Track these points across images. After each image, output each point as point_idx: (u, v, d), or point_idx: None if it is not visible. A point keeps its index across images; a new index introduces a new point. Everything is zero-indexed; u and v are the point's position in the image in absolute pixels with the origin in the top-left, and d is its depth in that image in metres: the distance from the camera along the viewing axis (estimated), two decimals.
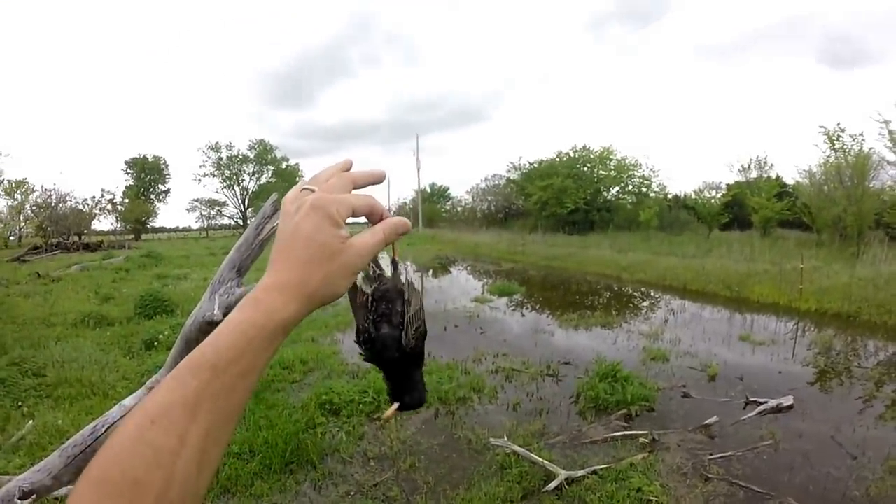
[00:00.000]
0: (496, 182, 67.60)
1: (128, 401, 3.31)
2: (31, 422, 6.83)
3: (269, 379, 8.13)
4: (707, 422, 6.53)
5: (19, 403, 7.56)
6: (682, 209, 44.95)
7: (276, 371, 8.48)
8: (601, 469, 5.24)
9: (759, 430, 6.41)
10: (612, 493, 4.85)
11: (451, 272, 26.29)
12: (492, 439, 5.77)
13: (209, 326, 2.91)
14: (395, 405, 0.87)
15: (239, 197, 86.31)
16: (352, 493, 5.13)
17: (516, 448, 5.48)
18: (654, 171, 48.48)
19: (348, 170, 0.79)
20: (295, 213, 0.68)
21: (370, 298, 0.85)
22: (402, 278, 0.92)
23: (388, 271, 0.89)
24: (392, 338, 0.83)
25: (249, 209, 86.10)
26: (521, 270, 24.65)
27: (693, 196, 45.23)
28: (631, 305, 15.70)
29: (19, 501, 3.07)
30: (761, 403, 7.11)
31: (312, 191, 0.71)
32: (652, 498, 4.78)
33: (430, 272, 26.09)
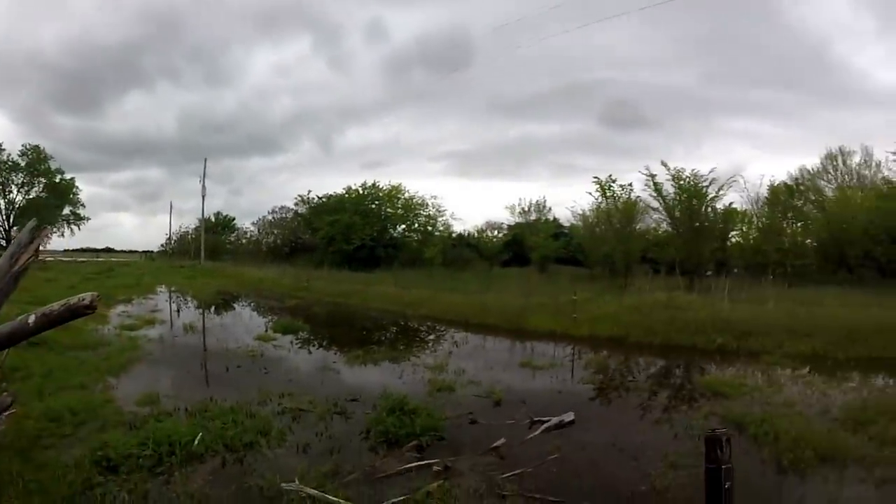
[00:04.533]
0: (283, 215, 66.08)
1: None
2: None
3: (35, 434, 7.23)
4: (496, 444, 6.85)
5: None
6: (466, 247, 47.07)
7: (43, 424, 7.50)
8: (399, 501, 5.25)
9: (546, 445, 6.86)
10: None
11: (234, 308, 25.53)
12: (283, 484, 5.57)
13: None
14: None
15: (4, 211, 72.77)
16: None
17: (310, 491, 5.35)
18: (440, 211, 50.08)
19: None
20: None
21: None
22: None
23: None
24: None
25: (14, 228, 73.59)
26: (306, 307, 24.45)
27: (476, 235, 47.63)
28: (416, 339, 16.15)
29: None
30: (545, 422, 7.64)
31: None
32: None
33: (212, 309, 25.10)
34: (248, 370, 11.60)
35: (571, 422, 7.64)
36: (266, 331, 16.83)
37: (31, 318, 2.40)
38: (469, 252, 45.98)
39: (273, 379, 10.71)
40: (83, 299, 2.36)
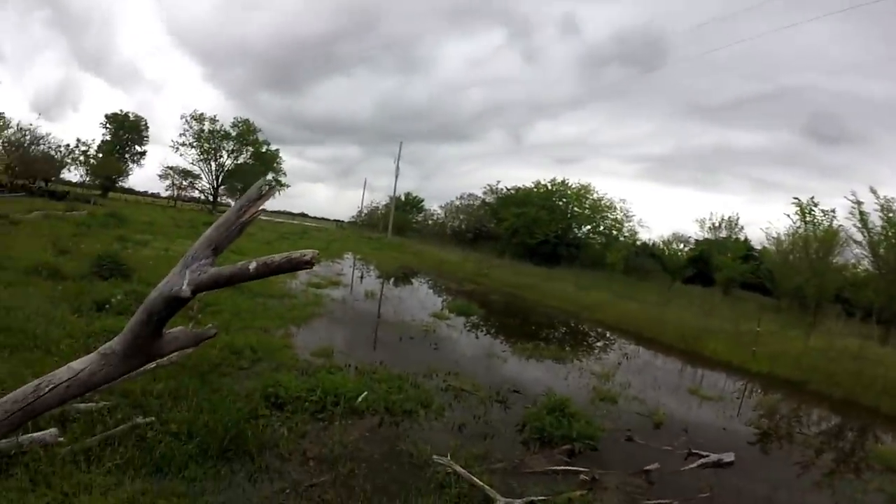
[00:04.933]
0: (471, 202, 68.05)
1: (76, 364, 3.23)
2: None
3: (216, 361, 7.96)
4: (647, 467, 6.57)
5: None
6: (649, 257, 45.54)
7: (224, 354, 8.31)
8: (539, 500, 5.21)
9: (698, 481, 6.50)
10: None
11: (413, 284, 26.25)
12: (435, 456, 5.71)
13: (175, 301, 2.84)
14: None
15: (213, 172, 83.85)
16: (286, 491, 5.02)
17: (458, 468, 5.44)
18: (627, 216, 48.87)
19: None
20: None
21: None
22: None
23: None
24: None
25: (222, 186, 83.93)
26: (483, 293, 24.66)
27: (661, 246, 45.93)
28: (586, 344, 15.86)
29: None
30: (703, 456, 7.22)
31: None
32: None
33: (393, 280, 26.01)
34: (419, 343, 12.03)
35: (730, 463, 7.16)
36: (441, 309, 17.25)
37: (252, 265, 2.60)
38: (652, 263, 44.41)
39: (441, 356, 10.99)
40: (304, 255, 2.53)
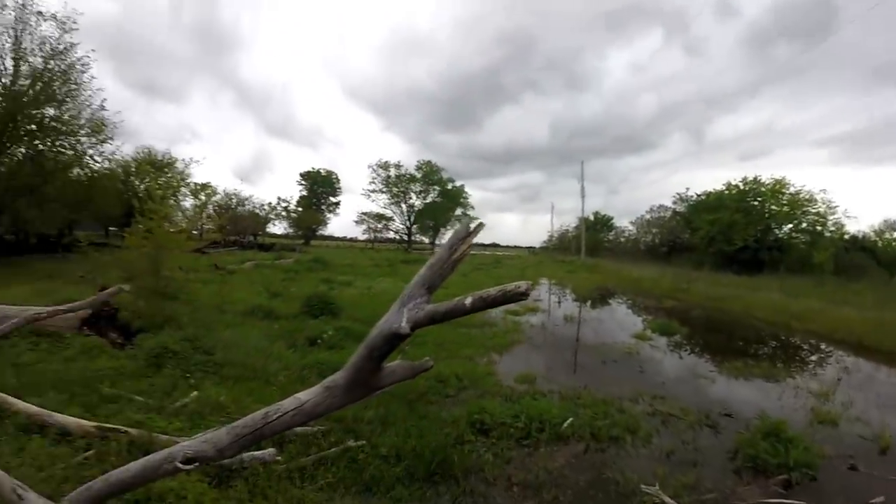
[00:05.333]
0: (661, 214, 66.22)
1: (302, 395, 3.56)
2: (195, 392, 7.60)
3: (423, 390, 8.39)
4: (872, 501, 5.87)
5: (187, 375, 8.46)
6: (860, 251, 41.22)
7: (431, 383, 8.74)
8: None
9: None
10: None
11: (610, 305, 25.81)
12: (643, 486, 5.60)
13: (395, 338, 3.09)
14: None
15: (405, 213, 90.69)
16: None
17: (666, 499, 5.30)
18: (830, 208, 44.28)
19: None
20: None
21: None
22: None
23: None
24: None
25: (414, 225, 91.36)
26: (683, 309, 23.58)
27: (872, 237, 41.47)
28: (799, 358, 14.69)
29: (181, 465, 3.40)
30: None
31: None
32: None
33: (590, 302, 25.75)
34: (622, 366, 11.80)
35: None
36: (643, 329, 16.82)
37: (469, 300, 2.76)
38: (864, 258, 40.09)
39: (646, 378, 10.72)
40: (519, 287, 2.65)
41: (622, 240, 76.10)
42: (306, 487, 5.20)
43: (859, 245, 42.69)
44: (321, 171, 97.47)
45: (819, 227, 44.04)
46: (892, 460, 7.28)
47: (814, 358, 14.76)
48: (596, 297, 28.34)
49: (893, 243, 39.10)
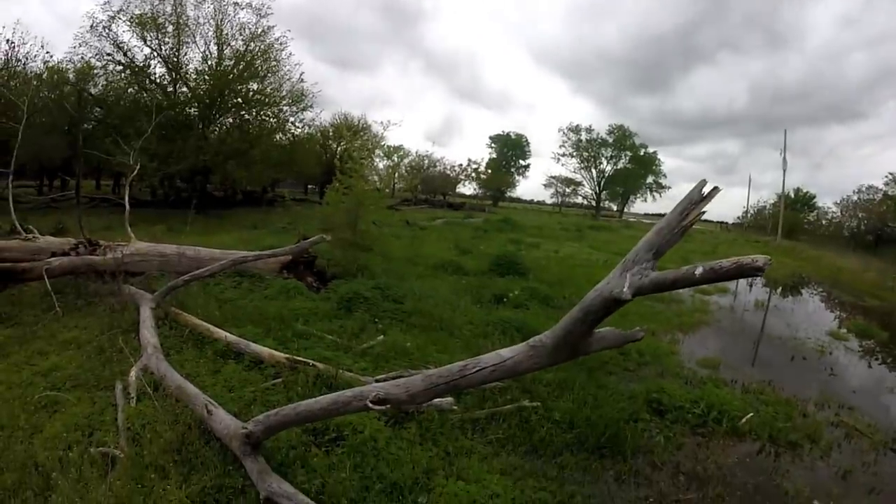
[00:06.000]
0: (870, 196, 58.56)
1: (505, 351, 3.67)
2: (382, 336, 8.15)
3: (604, 359, 8.36)
4: None
5: (375, 320, 9.10)
6: None
7: (612, 354, 8.65)
8: None
9: None
10: None
11: (804, 295, 24.08)
12: (815, 502, 5.31)
13: (613, 303, 3.08)
14: None
15: (595, 179, 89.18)
16: (651, 500, 5.12)
17: None
18: None
19: None
20: None
21: None
22: None
23: None
24: None
25: (603, 191, 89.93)
26: (887, 311, 20.95)
27: None
28: None
29: (371, 404, 3.62)
30: None
31: None
32: None
33: (781, 290, 24.19)
34: (812, 366, 10.91)
35: None
36: (838, 328, 15.46)
37: (699, 270, 2.69)
38: None
39: (836, 384, 9.81)
40: (756, 260, 2.56)
41: (824, 222, 68.46)
42: (476, 439, 5.45)
43: None
44: (511, 134, 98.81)
45: None
46: None
47: None
48: (790, 284, 26.26)
49: None
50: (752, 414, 7.03)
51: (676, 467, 5.73)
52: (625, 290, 2.93)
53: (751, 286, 23.09)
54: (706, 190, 2.96)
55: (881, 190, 55.35)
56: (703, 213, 2.93)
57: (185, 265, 10.43)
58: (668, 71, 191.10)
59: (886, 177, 54.57)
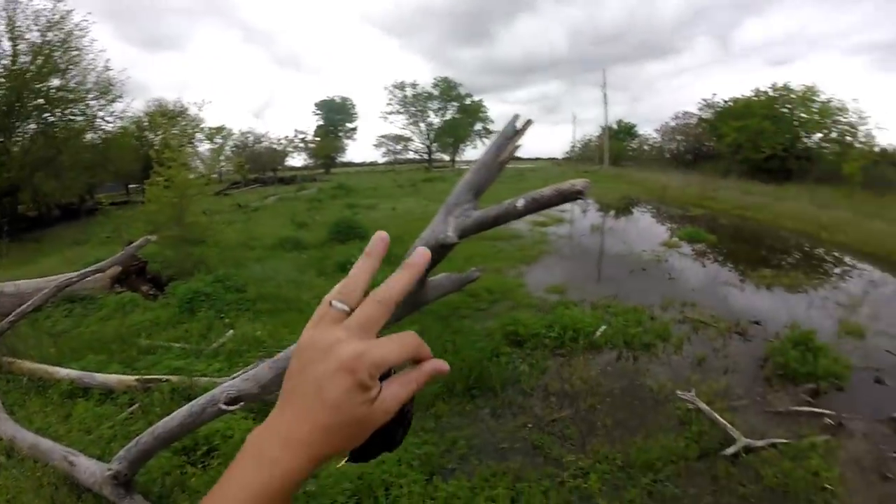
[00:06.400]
0: (686, 121, 62.86)
1: None
2: (230, 331, 7.80)
3: (455, 305, 8.53)
4: None
5: (221, 315, 8.68)
6: (891, 165, 40.29)
7: (462, 298, 8.87)
8: (781, 443, 5.06)
9: None
10: (789, 470, 4.65)
11: (636, 214, 25.64)
12: (679, 392, 5.71)
13: (441, 249, 3.04)
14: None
15: (424, 132, 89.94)
16: (529, 426, 5.36)
17: (702, 405, 5.41)
18: (862, 118, 41.61)
19: (376, 270, 0.73)
20: (320, 362, 0.61)
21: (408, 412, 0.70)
22: None
23: None
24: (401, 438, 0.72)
25: (434, 144, 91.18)
26: (710, 217, 23.33)
27: None
28: (826, 270, 14.56)
29: (225, 406, 3.45)
30: None
31: (345, 312, 0.65)
32: (828, 486, 4.52)
33: (615, 213, 25.58)
34: (652, 274, 11.88)
35: None
36: (671, 238, 16.78)
37: (521, 202, 2.67)
38: (894, 171, 39.01)
39: (676, 286, 10.79)
40: (574, 185, 2.55)
41: (646, 148, 73.79)
42: None
43: (890, 159, 41.33)
44: (336, 98, 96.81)
45: (849, 138, 41.89)
46: None
47: (840, 269, 14.61)
48: (622, 206, 28.03)
49: None
50: (604, 327, 7.57)
51: (545, 390, 6.06)
52: (449, 233, 2.88)
53: (585, 212, 24.27)
54: (519, 124, 2.96)
55: (696, 115, 59.84)
56: (518, 146, 2.94)
57: (7, 304, 9.42)
58: (491, 21, 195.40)
59: (699, 103, 59.07)
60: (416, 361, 0.68)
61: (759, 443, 5.04)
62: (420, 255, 0.76)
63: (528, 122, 2.94)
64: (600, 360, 6.83)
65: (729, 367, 6.85)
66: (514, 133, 2.94)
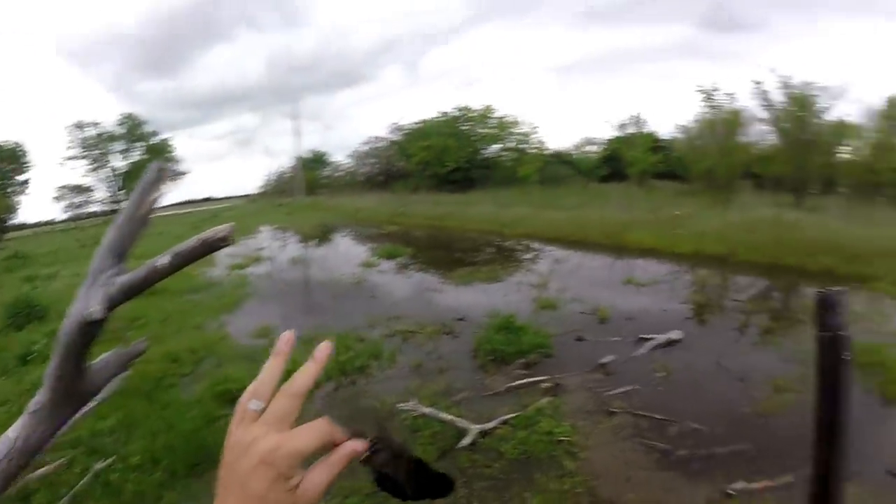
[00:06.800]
0: (377, 144, 66.00)
1: (10, 432, 2.97)
2: None
3: (157, 375, 7.64)
4: (603, 361, 6.85)
5: None
6: (562, 164, 46.27)
7: (164, 365, 7.90)
8: (511, 418, 5.39)
9: (652, 364, 6.81)
10: (525, 438, 5.02)
11: (334, 240, 25.93)
12: (399, 404, 5.76)
13: (89, 327, 2.63)
14: None
15: (109, 178, 79.78)
16: None
17: (424, 409, 5.53)
18: (534, 128, 49.47)
19: (284, 368, 0.74)
20: (243, 458, 0.64)
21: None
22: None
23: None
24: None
25: (122, 191, 79.79)
26: (404, 232, 24.51)
27: (572, 151, 46.79)
28: (516, 259, 15.98)
29: None
30: (651, 339, 7.50)
31: (261, 411, 0.67)
32: (563, 438, 5.00)
33: (315, 242, 25.58)
34: (354, 297, 11.90)
35: (678, 340, 7.56)
36: (369, 258, 17.04)
37: (165, 259, 2.36)
38: (566, 169, 45.10)
39: (380, 304, 10.95)
40: (218, 232, 2.30)
41: (339, 174, 75.46)
42: None
43: (561, 159, 47.72)
44: (3, 144, 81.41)
45: (523, 146, 48.79)
46: (611, 327, 8.46)
47: (529, 256, 16.16)
48: (319, 235, 28.00)
49: (590, 155, 44.89)
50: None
51: None
52: (96, 307, 2.51)
53: (284, 246, 24.01)
54: (157, 168, 2.71)
55: (386, 138, 63.42)
56: (162, 193, 2.68)
57: None
58: (184, 49, 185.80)
59: (389, 126, 63.65)
60: (336, 444, 0.68)
61: (491, 424, 5.29)
62: (323, 348, 0.75)
63: (169, 166, 2.71)
64: (319, 395, 6.59)
65: (444, 367, 7.12)
66: (156, 179, 2.67)
